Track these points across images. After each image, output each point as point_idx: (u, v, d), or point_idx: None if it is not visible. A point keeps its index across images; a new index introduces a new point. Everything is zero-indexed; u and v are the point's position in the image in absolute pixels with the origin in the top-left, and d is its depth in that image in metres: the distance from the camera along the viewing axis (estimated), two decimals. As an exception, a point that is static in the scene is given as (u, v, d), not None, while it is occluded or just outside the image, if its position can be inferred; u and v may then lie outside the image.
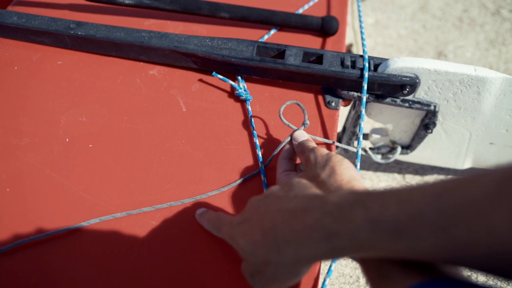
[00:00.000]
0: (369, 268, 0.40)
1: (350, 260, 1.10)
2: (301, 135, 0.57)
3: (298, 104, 0.60)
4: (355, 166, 0.59)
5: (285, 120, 0.60)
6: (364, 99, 0.64)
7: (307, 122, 0.59)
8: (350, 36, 1.40)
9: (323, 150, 0.50)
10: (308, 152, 0.51)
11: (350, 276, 1.08)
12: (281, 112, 0.60)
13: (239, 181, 0.59)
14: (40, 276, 0.50)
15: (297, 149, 0.56)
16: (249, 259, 0.41)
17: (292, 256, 0.37)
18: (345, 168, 0.46)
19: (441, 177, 1.25)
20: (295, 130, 0.59)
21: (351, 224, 0.34)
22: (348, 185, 0.44)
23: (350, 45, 1.36)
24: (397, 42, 1.65)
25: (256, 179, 0.60)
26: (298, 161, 0.59)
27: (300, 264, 0.38)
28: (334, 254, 0.36)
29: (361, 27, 0.78)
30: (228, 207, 0.57)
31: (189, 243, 0.53)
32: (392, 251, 0.33)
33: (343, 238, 0.34)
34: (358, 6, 0.84)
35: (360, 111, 0.65)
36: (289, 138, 0.59)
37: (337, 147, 0.66)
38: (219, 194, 0.58)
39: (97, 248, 0.52)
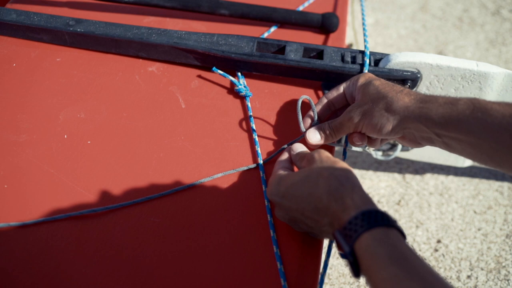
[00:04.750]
0: None
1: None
2: (300, 146, 0.57)
3: (309, 100, 0.59)
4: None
5: (300, 119, 0.59)
6: None
7: (316, 118, 0.59)
8: (350, 36, 1.40)
9: (327, 153, 0.51)
10: (311, 153, 0.52)
11: (350, 276, 1.08)
12: (299, 110, 0.58)
13: (232, 171, 0.59)
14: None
15: (295, 158, 0.55)
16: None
17: None
18: (355, 177, 0.48)
19: (441, 177, 1.25)
20: (304, 132, 0.58)
21: None
22: (365, 192, 0.46)
23: (350, 45, 1.36)
24: (397, 42, 1.65)
25: (255, 175, 0.59)
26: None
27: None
28: None
29: (363, 20, 0.77)
30: (225, 199, 0.57)
31: (188, 239, 0.53)
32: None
33: None
34: (361, 1, 0.84)
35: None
36: (289, 144, 0.59)
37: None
38: (216, 186, 0.57)
39: (94, 243, 0.52)
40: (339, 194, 0.45)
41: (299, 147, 0.56)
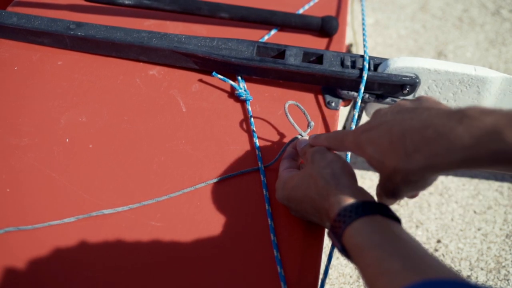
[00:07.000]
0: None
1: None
2: (304, 141, 0.58)
3: (298, 106, 0.61)
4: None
5: (293, 122, 0.60)
6: (362, 92, 0.64)
7: (312, 123, 0.60)
8: (350, 36, 1.40)
9: (321, 149, 0.51)
10: (311, 153, 0.52)
11: (350, 276, 1.08)
12: (287, 112, 0.60)
13: (233, 174, 0.59)
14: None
15: (301, 152, 0.57)
16: (378, 168, 0.42)
17: (423, 165, 0.38)
18: (346, 172, 0.48)
19: (441, 177, 1.25)
20: (300, 134, 0.59)
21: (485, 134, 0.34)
22: (351, 185, 0.46)
23: (350, 46, 1.36)
24: (397, 42, 1.65)
25: (255, 179, 0.60)
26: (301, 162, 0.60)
27: (429, 172, 0.39)
28: (466, 164, 0.36)
29: (363, 25, 0.77)
30: (226, 203, 0.57)
31: (189, 243, 0.53)
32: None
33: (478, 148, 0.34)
34: (362, 5, 0.84)
35: (357, 107, 0.65)
36: (292, 141, 0.59)
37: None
38: (216, 189, 0.58)
39: (95, 246, 0.52)
40: (326, 193, 0.46)
41: (303, 142, 0.57)
